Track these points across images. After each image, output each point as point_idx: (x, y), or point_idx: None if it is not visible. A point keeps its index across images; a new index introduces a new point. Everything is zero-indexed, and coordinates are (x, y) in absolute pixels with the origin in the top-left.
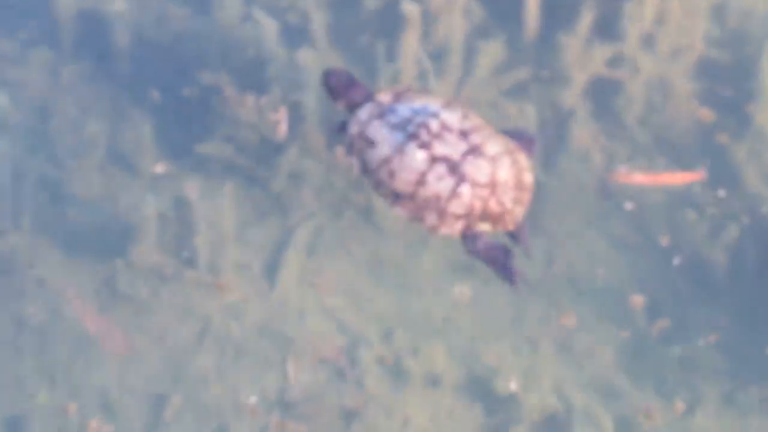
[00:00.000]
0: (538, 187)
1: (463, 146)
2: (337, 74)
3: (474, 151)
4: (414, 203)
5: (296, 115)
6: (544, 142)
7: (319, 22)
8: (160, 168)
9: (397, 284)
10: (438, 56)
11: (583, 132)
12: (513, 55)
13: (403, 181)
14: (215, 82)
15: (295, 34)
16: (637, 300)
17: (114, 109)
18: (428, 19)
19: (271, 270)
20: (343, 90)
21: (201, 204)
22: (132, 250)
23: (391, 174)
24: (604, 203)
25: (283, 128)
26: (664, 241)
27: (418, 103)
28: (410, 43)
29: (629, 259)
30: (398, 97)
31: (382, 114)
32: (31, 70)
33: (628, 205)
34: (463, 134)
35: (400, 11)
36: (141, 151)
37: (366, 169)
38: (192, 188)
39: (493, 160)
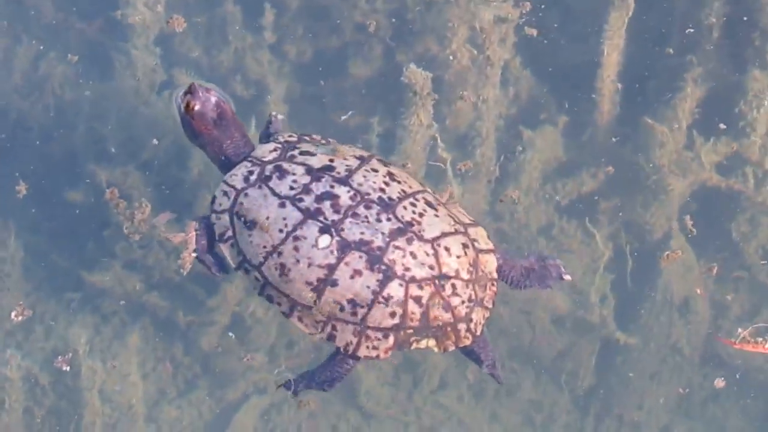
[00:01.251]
0: (612, 351)
1: (388, 226)
2: (207, 99)
3: (405, 231)
4: (319, 313)
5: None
6: (620, 284)
7: (279, 93)
8: (21, 312)
9: None
10: (459, 146)
11: (679, 269)
12: (575, 149)
13: (301, 280)
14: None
15: (242, 111)
16: None
17: None
18: (446, 91)
19: None
20: (210, 127)
21: (91, 365)
22: None
23: (283, 270)
24: (713, 377)
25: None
26: None
27: (318, 160)
28: (418, 125)
29: None
30: (287, 150)
31: (264, 178)
32: None
33: (719, 382)
34: (388, 206)
35: (402, 79)
36: None
37: (245, 264)
38: (77, 339)
39: (437, 243)
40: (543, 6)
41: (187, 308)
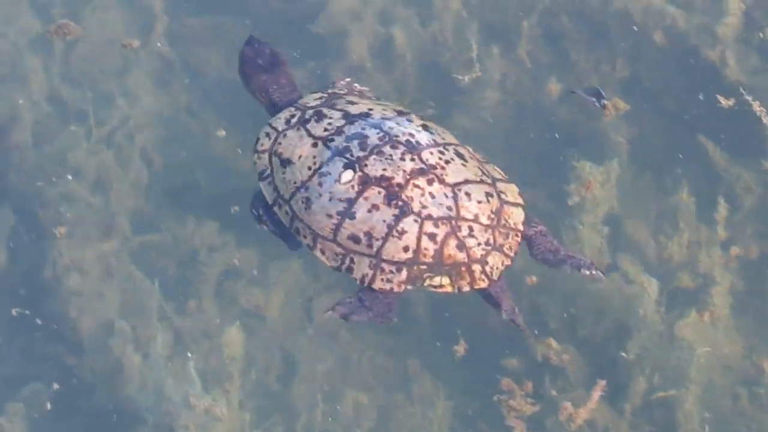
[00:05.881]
0: None
1: (411, 165)
2: (261, 48)
3: (427, 172)
4: (338, 245)
5: None
6: None
7: (724, 286)
8: None
9: None
10: None
11: None
12: None
13: (322, 212)
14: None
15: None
16: None
17: None
18: None
19: None
20: (259, 72)
21: None
22: None
23: (308, 203)
24: None
25: None
26: None
27: (357, 108)
28: None
29: None
30: (331, 98)
31: (303, 120)
32: None
33: None
34: (414, 149)
35: None
36: None
37: (279, 199)
38: None
39: (457, 188)
40: None
41: None
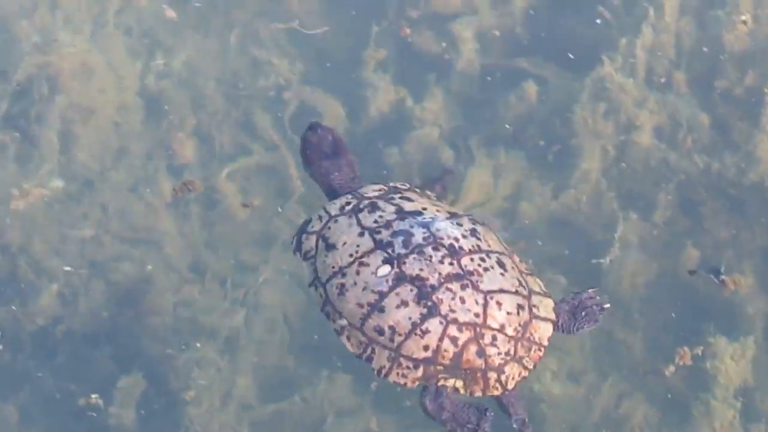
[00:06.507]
0: None
1: (448, 269)
2: (323, 136)
3: (462, 278)
4: (363, 334)
5: None
6: None
7: None
8: None
9: None
10: None
11: None
12: None
13: (353, 301)
14: None
15: None
16: None
17: None
18: None
19: None
20: (321, 158)
21: None
22: None
23: (342, 290)
24: None
25: None
26: None
27: (412, 205)
28: None
29: None
30: (391, 192)
31: (357, 210)
32: None
33: None
34: (455, 253)
35: None
36: None
37: (316, 281)
38: None
39: (489, 295)
40: None
41: None
